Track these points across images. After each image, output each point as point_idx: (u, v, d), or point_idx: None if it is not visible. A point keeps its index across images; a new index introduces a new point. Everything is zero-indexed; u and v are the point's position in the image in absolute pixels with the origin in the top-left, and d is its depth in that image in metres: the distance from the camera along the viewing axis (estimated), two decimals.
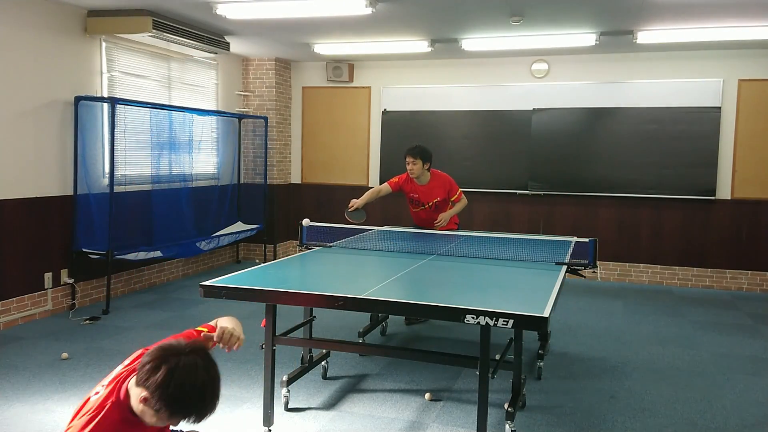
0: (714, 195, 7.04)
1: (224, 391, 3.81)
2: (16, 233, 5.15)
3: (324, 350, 4.09)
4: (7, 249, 5.08)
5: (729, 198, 7.09)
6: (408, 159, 5.18)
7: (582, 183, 7.40)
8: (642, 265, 7.40)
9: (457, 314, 2.69)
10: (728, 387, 4.10)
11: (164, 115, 6.49)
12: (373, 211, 8.30)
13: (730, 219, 7.11)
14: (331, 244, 4.57)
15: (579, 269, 4.14)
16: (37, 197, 5.32)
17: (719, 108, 7.00)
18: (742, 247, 7.10)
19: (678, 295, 6.83)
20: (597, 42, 6.39)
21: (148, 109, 6.20)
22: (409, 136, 8.00)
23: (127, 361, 1.93)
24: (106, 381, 1.88)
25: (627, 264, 7.45)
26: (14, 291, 5.16)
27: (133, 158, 6.15)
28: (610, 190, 7.33)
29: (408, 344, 4.94)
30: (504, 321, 2.61)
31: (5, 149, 5.03)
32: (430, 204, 5.28)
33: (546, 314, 2.61)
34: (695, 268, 7.26)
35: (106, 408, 1.79)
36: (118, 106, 5.70)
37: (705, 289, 7.17)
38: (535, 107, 7.55)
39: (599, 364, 4.49)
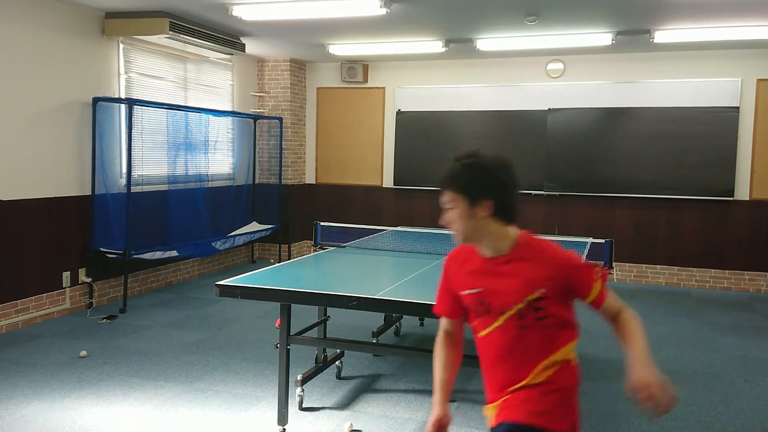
0: (732, 195, 6.96)
1: (239, 390, 3.85)
2: (35, 233, 5.22)
3: (338, 350, 4.10)
4: (26, 248, 5.15)
5: (747, 199, 7.01)
6: None
7: (598, 183, 7.35)
8: (659, 266, 7.34)
9: None
10: (746, 390, 4.05)
11: (180, 116, 6.54)
12: (386, 212, 8.31)
13: (748, 220, 7.02)
14: (345, 245, 4.58)
15: None
16: (55, 197, 5.38)
17: (737, 108, 6.92)
18: (761, 249, 7.01)
19: (695, 297, 6.76)
20: (613, 41, 6.34)
21: (164, 110, 6.26)
22: (424, 136, 8.01)
23: None
24: None
25: (644, 265, 7.38)
26: (33, 290, 5.23)
27: (149, 159, 6.21)
28: (626, 190, 7.27)
29: (422, 344, 4.93)
30: None
31: (25, 150, 5.10)
32: None
33: None
34: (713, 270, 7.18)
35: None
36: (135, 107, 5.76)
37: (723, 291, 7.09)
38: (551, 107, 7.51)
39: (615, 366, 4.46)
